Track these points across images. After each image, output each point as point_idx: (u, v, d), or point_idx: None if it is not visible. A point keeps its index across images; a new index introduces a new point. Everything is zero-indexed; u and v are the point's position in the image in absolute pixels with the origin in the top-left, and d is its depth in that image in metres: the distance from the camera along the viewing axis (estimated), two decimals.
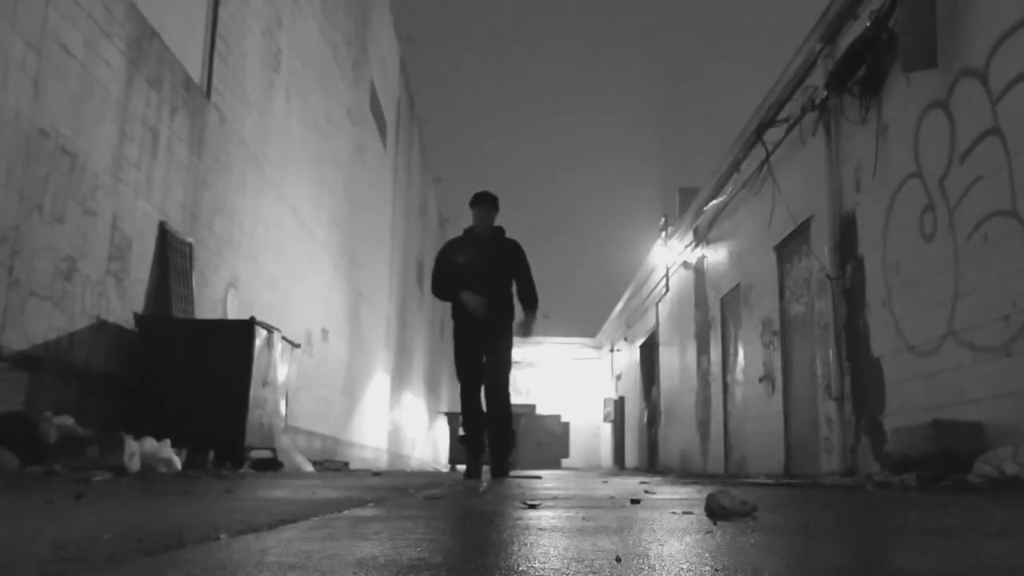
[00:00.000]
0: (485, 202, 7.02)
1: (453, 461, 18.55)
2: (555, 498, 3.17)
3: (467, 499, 3.01)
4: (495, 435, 6.69)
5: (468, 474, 6.66)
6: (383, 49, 18.05)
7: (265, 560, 1.18)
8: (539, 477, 7.62)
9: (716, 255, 12.61)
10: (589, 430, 27.99)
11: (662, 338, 16.90)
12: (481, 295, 6.69)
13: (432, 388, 27.13)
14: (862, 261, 7.18)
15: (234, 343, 6.55)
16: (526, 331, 6.89)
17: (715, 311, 12.56)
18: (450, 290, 6.89)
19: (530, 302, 6.93)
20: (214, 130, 8.23)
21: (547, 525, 1.86)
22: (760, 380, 10.09)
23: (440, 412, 26.19)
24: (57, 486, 3.14)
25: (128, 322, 6.40)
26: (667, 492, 4.04)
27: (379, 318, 17.92)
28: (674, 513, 2.28)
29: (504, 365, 6.81)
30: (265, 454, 7.41)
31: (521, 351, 31.46)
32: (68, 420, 5.06)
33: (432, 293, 7.22)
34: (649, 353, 18.81)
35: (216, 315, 8.16)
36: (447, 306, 7.25)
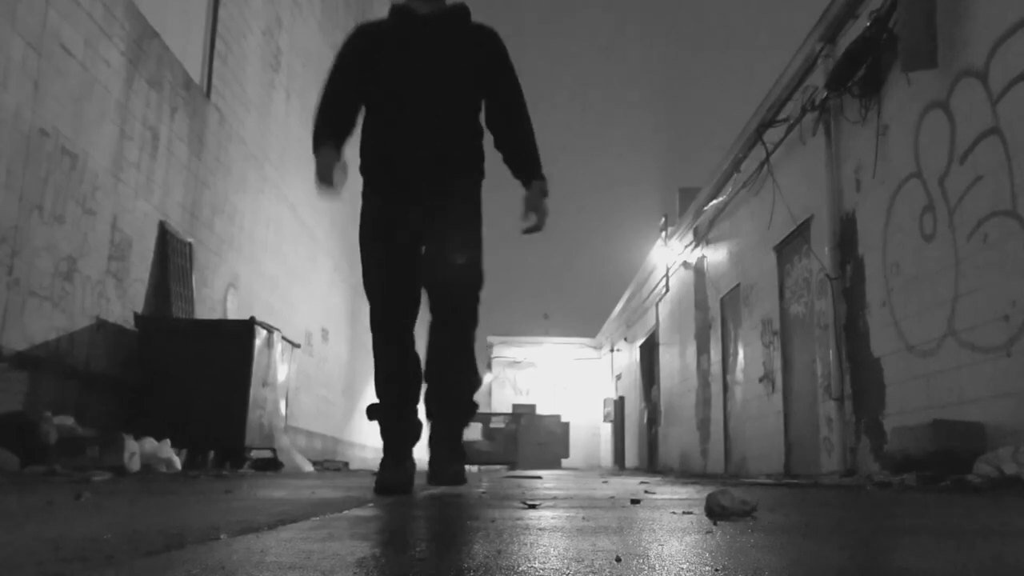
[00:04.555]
0: None
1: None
2: (555, 498, 3.17)
3: (467, 499, 3.01)
4: (437, 390, 3.47)
5: (385, 485, 3.19)
6: None
7: (265, 560, 1.18)
8: (539, 477, 7.62)
9: (716, 255, 12.61)
10: (589, 430, 27.98)
11: (662, 338, 16.90)
12: (419, 129, 3.44)
13: None
14: (862, 261, 7.17)
15: (234, 343, 6.56)
16: (538, 218, 3.57)
17: (715, 311, 12.56)
18: (349, 118, 3.58)
19: (527, 156, 3.65)
20: (214, 130, 8.23)
21: (547, 525, 1.86)
22: (760, 380, 10.09)
23: None
24: (57, 486, 3.14)
25: (128, 322, 6.40)
26: (667, 492, 4.04)
27: None
28: (674, 513, 2.28)
29: (462, 261, 3.43)
30: (265, 454, 7.42)
31: (520, 351, 31.49)
32: (68, 420, 5.07)
33: (314, 135, 3.52)
34: (649, 353, 18.81)
35: (216, 315, 8.17)
36: None
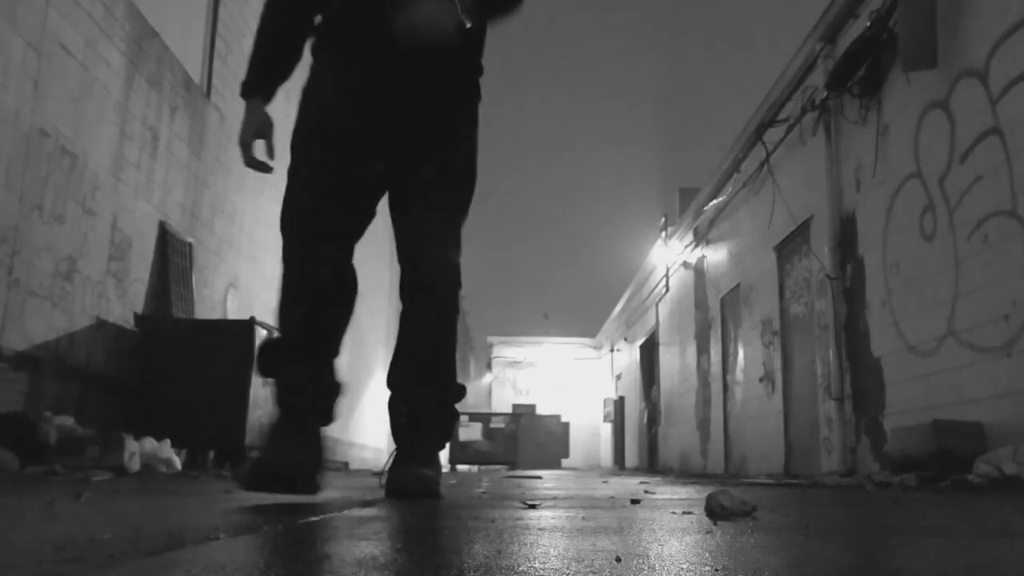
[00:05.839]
0: None
1: (453, 462, 18.50)
2: (555, 498, 3.17)
3: (467, 500, 3.01)
4: (412, 388, 2.68)
5: (261, 471, 2.40)
6: None
7: (265, 560, 1.18)
8: (539, 477, 7.63)
9: (716, 255, 12.61)
10: (589, 430, 27.99)
11: (662, 338, 16.90)
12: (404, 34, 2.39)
13: None
14: (862, 261, 7.18)
15: (234, 343, 6.56)
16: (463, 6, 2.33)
17: (715, 311, 12.56)
18: (302, 23, 2.70)
19: None
20: (214, 130, 8.23)
21: (547, 525, 1.86)
22: (760, 380, 10.09)
23: None
24: (57, 486, 3.14)
25: (128, 322, 6.40)
26: (667, 492, 4.04)
27: (379, 318, 17.92)
28: (674, 513, 2.28)
29: (445, 218, 2.64)
30: None
31: (520, 351, 31.52)
32: (68, 420, 5.07)
33: (251, 61, 2.78)
34: (649, 353, 18.81)
35: (216, 315, 8.17)
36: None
